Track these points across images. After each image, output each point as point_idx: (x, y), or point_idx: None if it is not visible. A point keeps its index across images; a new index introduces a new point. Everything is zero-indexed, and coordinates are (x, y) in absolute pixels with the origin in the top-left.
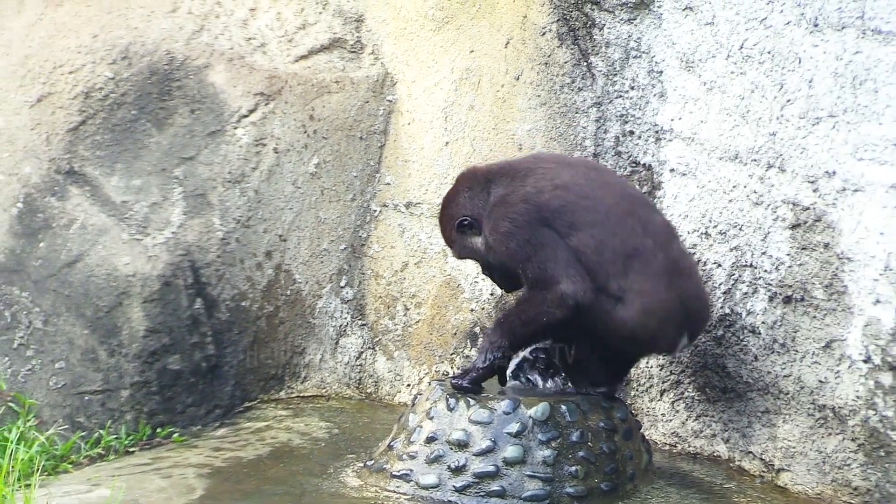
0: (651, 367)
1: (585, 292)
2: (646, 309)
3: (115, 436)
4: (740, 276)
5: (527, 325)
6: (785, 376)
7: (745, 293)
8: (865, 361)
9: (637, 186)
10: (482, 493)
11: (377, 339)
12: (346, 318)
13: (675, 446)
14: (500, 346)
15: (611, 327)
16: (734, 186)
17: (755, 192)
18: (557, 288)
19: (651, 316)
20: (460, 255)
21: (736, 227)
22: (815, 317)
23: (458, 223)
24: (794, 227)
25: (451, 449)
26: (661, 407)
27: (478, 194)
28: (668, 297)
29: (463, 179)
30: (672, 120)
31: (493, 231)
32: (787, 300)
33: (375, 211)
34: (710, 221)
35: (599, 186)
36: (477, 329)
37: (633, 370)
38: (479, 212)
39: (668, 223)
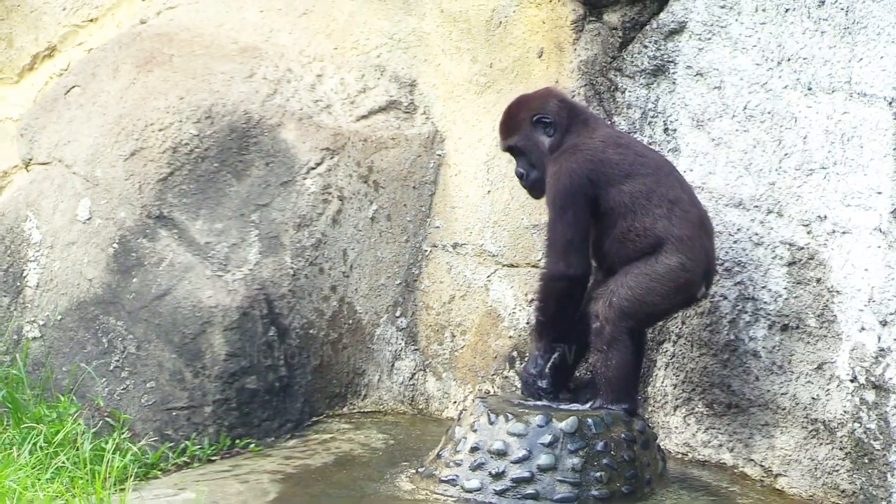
0: (665, 385)
1: (576, 269)
2: (688, 252)
3: (198, 446)
4: (743, 307)
5: (545, 304)
6: (782, 394)
7: (748, 322)
8: (852, 381)
9: None
10: (519, 496)
11: (428, 362)
12: (400, 344)
13: (687, 455)
14: (539, 347)
15: (655, 272)
16: (738, 229)
17: (756, 234)
18: (554, 267)
19: (692, 259)
20: (514, 145)
21: (740, 264)
22: (808, 342)
23: (538, 117)
24: (790, 264)
25: (492, 457)
26: (674, 420)
27: (565, 112)
28: (702, 246)
29: (552, 93)
30: (685, 171)
31: (554, 173)
32: (784, 328)
33: (426, 251)
34: (718, 260)
35: (648, 150)
36: (515, 353)
37: (649, 389)
38: (560, 122)
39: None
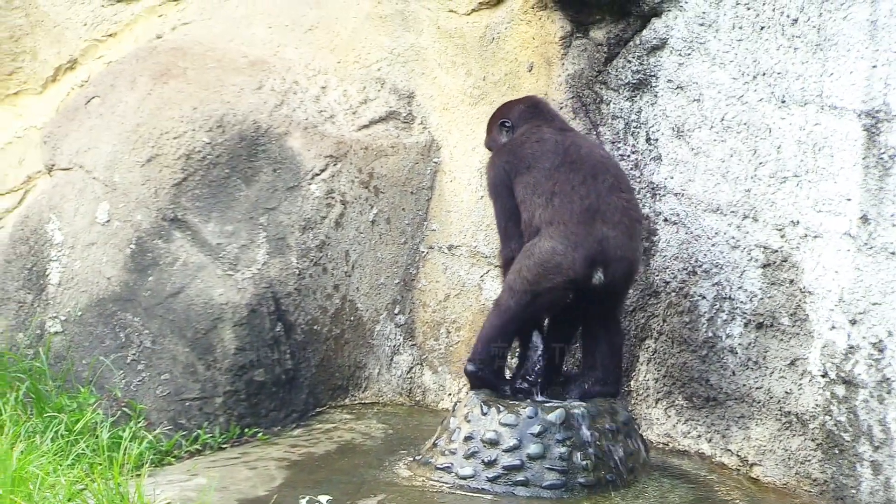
0: (648, 380)
1: (515, 252)
2: (561, 238)
3: (210, 435)
4: (721, 306)
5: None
6: (757, 388)
7: (725, 320)
8: (823, 376)
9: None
10: (510, 483)
11: (424, 356)
12: (399, 340)
13: (668, 445)
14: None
15: (532, 254)
16: (716, 233)
17: (733, 237)
18: (501, 251)
19: (564, 245)
20: (486, 145)
21: (717, 266)
22: (782, 340)
23: (501, 122)
24: (765, 266)
25: (485, 446)
26: (655, 413)
27: (522, 116)
28: (587, 233)
29: (525, 100)
30: (666, 179)
31: (485, 168)
32: (759, 326)
33: (423, 252)
34: (697, 262)
35: (577, 145)
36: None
37: (632, 383)
38: (516, 125)
39: (618, 184)
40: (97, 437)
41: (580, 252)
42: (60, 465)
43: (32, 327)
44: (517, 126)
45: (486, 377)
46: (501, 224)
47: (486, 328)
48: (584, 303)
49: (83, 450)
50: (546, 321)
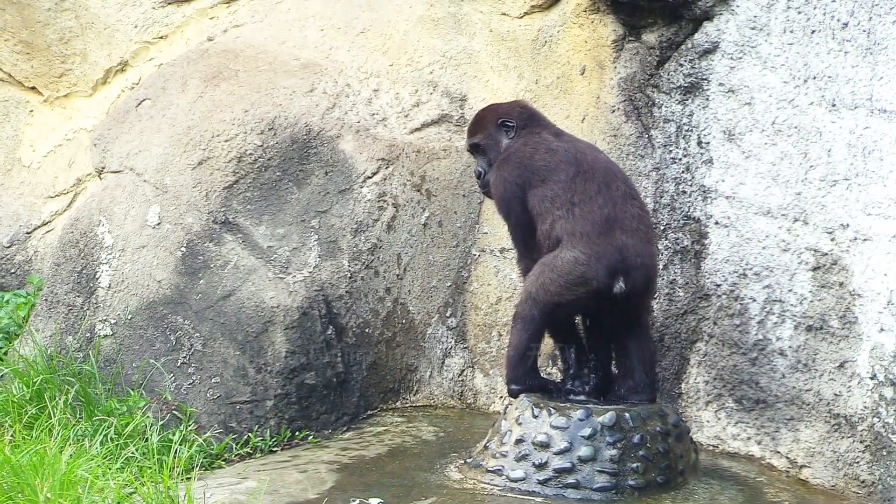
0: (698, 382)
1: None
2: (583, 247)
3: (260, 438)
4: (771, 308)
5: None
6: (807, 390)
7: (775, 323)
8: (872, 378)
9: (685, 234)
10: (560, 485)
11: (476, 359)
12: (450, 342)
13: (717, 447)
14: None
15: (554, 265)
16: (767, 236)
17: (784, 240)
18: (518, 263)
19: (586, 254)
20: (477, 143)
21: (768, 269)
22: (831, 342)
23: (502, 121)
24: (815, 269)
25: (536, 449)
26: (706, 415)
27: (524, 120)
28: (608, 243)
29: (519, 104)
30: (717, 182)
31: (494, 182)
32: (809, 328)
33: (475, 255)
34: (747, 265)
35: (585, 154)
36: (556, 351)
37: (683, 386)
38: (518, 125)
39: (630, 191)
40: (147, 441)
41: (602, 262)
42: (110, 469)
43: (82, 330)
44: (518, 128)
45: (532, 386)
46: (518, 237)
47: (514, 346)
48: (606, 311)
49: (133, 453)
50: (582, 326)
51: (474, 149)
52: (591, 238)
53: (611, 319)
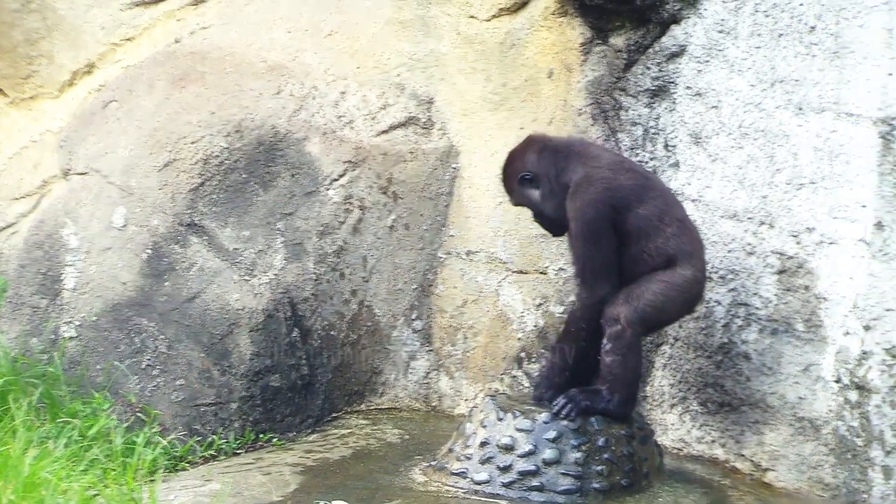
0: (663, 385)
1: (610, 293)
2: (697, 265)
3: (225, 440)
4: (736, 312)
5: (578, 325)
6: (771, 393)
7: (741, 326)
8: (836, 382)
9: None
10: (525, 488)
11: (441, 362)
12: (416, 345)
13: (682, 450)
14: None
15: (675, 282)
16: (732, 239)
17: (749, 244)
18: (591, 292)
19: (700, 272)
20: (517, 203)
21: (733, 272)
22: (796, 345)
23: (521, 177)
24: (780, 272)
25: (500, 451)
26: (670, 418)
27: (546, 158)
28: (703, 260)
29: (532, 143)
30: (683, 185)
31: (577, 208)
32: (774, 332)
33: (441, 258)
34: (713, 268)
35: (648, 171)
36: (523, 354)
37: (648, 389)
38: (544, 171)
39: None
40: (111, 443)
41: (705, 280)
42: (73, 471)
43: (47, 332)
44: (539, 174)
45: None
46: (597, 263)
47: (632, 370)
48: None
49: (97, 455)
50: (576, 337)
51: (520, 206)
52: (698, 255)
53: None
